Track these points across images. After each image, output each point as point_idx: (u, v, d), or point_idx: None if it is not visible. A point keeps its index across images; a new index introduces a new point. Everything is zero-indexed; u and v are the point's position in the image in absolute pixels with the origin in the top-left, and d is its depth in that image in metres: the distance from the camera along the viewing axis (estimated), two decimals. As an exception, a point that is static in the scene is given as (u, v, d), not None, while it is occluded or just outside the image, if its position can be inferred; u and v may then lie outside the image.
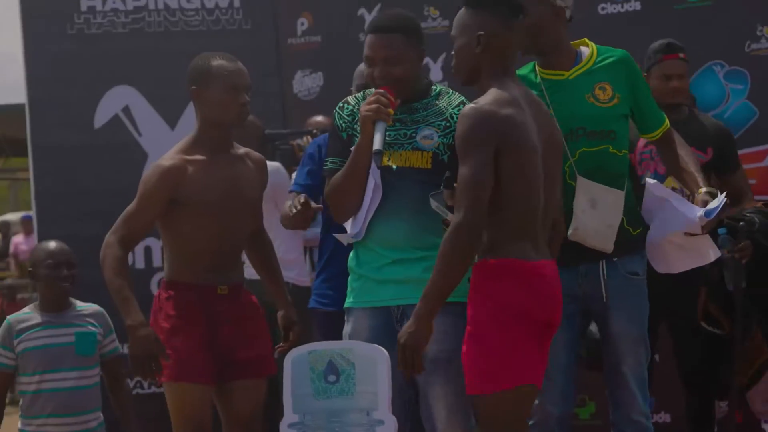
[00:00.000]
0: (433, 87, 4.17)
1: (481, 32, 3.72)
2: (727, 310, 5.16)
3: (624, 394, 4.24)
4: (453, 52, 3.82)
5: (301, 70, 7.02)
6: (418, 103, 4.11)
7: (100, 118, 6.97)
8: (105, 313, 5.09)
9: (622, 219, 4.23)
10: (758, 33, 6.13)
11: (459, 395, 3.92)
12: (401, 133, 4.06)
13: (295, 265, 6.08)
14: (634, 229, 4.28)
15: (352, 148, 4.07)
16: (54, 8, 6.95)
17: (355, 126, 4.11)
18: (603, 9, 6.50)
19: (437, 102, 4.13)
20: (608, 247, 4.20)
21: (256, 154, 4.54)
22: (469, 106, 3.66)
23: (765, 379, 5.37)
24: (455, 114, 4.04)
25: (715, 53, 6.20)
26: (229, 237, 4.37)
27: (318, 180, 4.78)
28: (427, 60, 6.73)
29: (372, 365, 3.81)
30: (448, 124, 4.07)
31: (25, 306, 5.28)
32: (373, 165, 4.00)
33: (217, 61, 4.33)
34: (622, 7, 6.46)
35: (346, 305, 4.18)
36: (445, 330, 3.92)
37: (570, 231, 4.22)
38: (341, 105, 4.20)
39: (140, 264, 6.93)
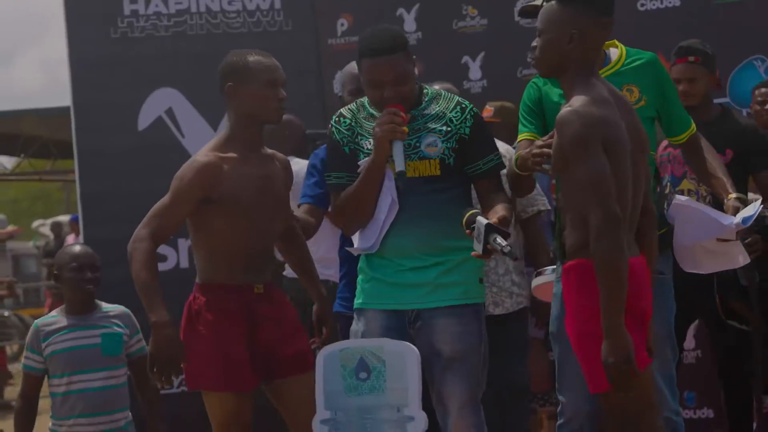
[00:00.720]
0: (425, 91, 4.19)
1: (575, 29, 3.72)
2: (748, 305, 5.13)
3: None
4: (536, 45, 3.81)
5: (341, 71, 7.04)
6: (415, 111, 4.13)
7: (144, 120, 7.04)
8: (131, 313, 5.12)
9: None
10: (799, 27, 6.10)
11: (472, 392, 4.01)
12: (405, 144, 4.06)
13: (333, 264, 6.11)
14: (658, 229, 4.28)
15: (360, 163, 4.09)
16: (98, 12, 7.03)
17: (357, 139, 4.14)
18: (642, 5, 6.48)
19: (434, 106, 4.15)
20: None
21: (280, 155, 4.54)
22: (569, 109, 3.63)
23: None
24: (454, 118, 4.10)
25: (756, 48, 6.18)
26: (263, 235, 4.36)
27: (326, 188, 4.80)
28: (465, 59, 6.75)
29: (402, 362, 3.84)
30: (449, 128, 4.10)
31: None
32: (389, 181, 4.02)
33: (254, 57, 4.33)
34: (662, 3, 6.44)
35: (356, 305, 4.20)
36: (460, 331, 4.00)
37: None
38: (337, 119, 4.22)
39: (184, 264, 6.99)
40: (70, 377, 4.97)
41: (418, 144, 4.09)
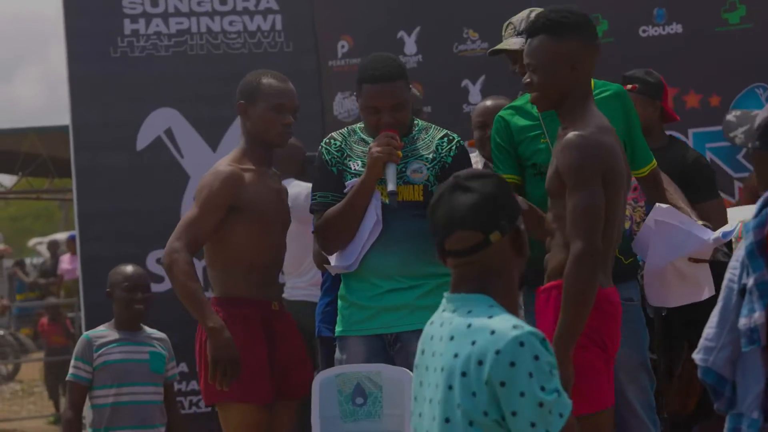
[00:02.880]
0: (416, 123, 4.30)
1: (574, 60, 3.74)
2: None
3: (634, 423, 4.19)
4: (531, 81, 3.79)
5: (341, 93, 7.03)
6: (405, 138, 4.23)
7: (143, 139, 7.02)
8: (168, 340, 5.31)
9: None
10: (801, 55, 6.09)
11: None
12: None
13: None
14: (626, 258, 4.27)
15: (348, 183, 4.17)
16: (98, 31, 7.01)
17: (345, 161, 4.23)
18: (644, 32, 6.48)
19: (423, 136, 4.26)
20: None
21: (282, 184, 4.60)
22: (576, 134, 3.64)
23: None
24: (440, 147, 4.21)
25: (758, 76, 6.16)
26: (278, 250, 4.42)
27: None
28: (465, 82, 6.74)
29: (399, 388, 3.82)
30: (435, 156, 4.21)
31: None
32: (374, 201, 4.12)
33: (267, 79, 4.38)
34: (664, 29, 6.43)
35: (337, 333, 4.25)
36: None
37: None
38: (328, 141, 4.31)
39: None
40: (120, 388, 5.14)
41: (404, 170, 4.19)
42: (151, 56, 7.00)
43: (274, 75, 4.41)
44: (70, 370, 5.22)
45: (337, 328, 4.27)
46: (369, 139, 4.25)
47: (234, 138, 4.53)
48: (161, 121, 7.02)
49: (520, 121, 4.25)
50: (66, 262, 15.87)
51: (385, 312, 4.13)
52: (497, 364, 2.59)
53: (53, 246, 17.80)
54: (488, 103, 5.33)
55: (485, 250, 2.73)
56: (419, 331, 4.03)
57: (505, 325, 2.63)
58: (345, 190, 4.22)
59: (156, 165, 6.96)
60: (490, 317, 2.64)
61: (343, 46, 7.03)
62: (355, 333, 4.18)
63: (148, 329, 5.32)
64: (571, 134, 3.65)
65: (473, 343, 2.62)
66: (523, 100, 4.31)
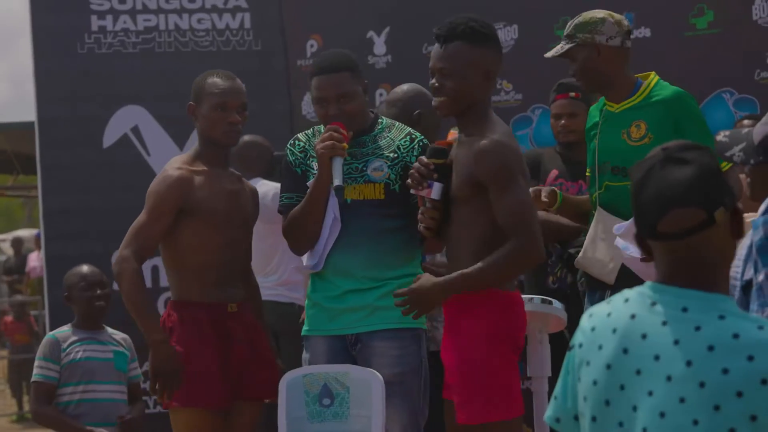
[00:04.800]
0: (380, 120, 4.29)
1: (487, 68, 3.79)
2: None
3: None
4: (439, 85, 3.81)
5: (310, 92, 7.02)
6: (366, 137, 4.23)
7: (110, 137, 6.99)
8: (130, 340, 5.36)
9: None
10: (768, 61, 6.12)
11: (413, 415, 4.08)
12: (353, 167, 4.18)
13: (299, 286, 6.08)
14: None
15: (309, 183, 4.17)
16: (65, 27, 6.97)
17: (309, 162, 4.23)
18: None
19: (385, 134, 4.25)
20: (609, 278, 4.23)
21: (249, 184, 4.59)
22: (492, 139, 3.70)
23: None
24: (402, 145, 4.20)
25: (725, 81, 6.19)
26: (233, 250, 4.37)
27: None
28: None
29: (366, 389, 3.81)
30: (396, 155, 4.20)
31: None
32: (332, 199, 4.11)
33: (212, 79, 4.37)
34: (633, 33, 6.45)
35: (303, 332, 4.27)
36: (398, 354, 4.06)
37: (577, 258, 4.28)
38: (292, 142, 4.32)
39: (147, 283, 6.91)
40: (86, 386, 5.21)
41: (365, 168, 4.18)
42: (118, 53, 6.97)
43: (219, 74, 4.39)
44: (37, 371, 5.22)
45: (304, 328, 4.28)
46: None
47: (200, 136, 4.51)
48: (128, 119, 6.99)
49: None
50: (34, 259, 15.76)
51: (346, 313, 4.14)
52: None
53: (17, 243, 17.68)
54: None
55: (706, 232, 2.31)
56: (380, 332, 4.09)
57: None
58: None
59: (122, 163, 6.93)
60: (761, 328, 2.26)
61: (312, 46, 7.01)
62: (318, 333, 4.20)
63: (110, 329, 5.37)
64: (484, 141, 3.70)
65: (750, 358, 2.23)
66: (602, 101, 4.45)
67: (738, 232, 2.35)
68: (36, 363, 5.26)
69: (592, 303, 4.29)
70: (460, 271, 3.66)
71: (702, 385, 2.24)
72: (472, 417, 3.63)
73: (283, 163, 4.32)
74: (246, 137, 5.93)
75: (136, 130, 7.00)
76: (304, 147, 4.27)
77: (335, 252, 4.15)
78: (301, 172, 4.24)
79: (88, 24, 6.95)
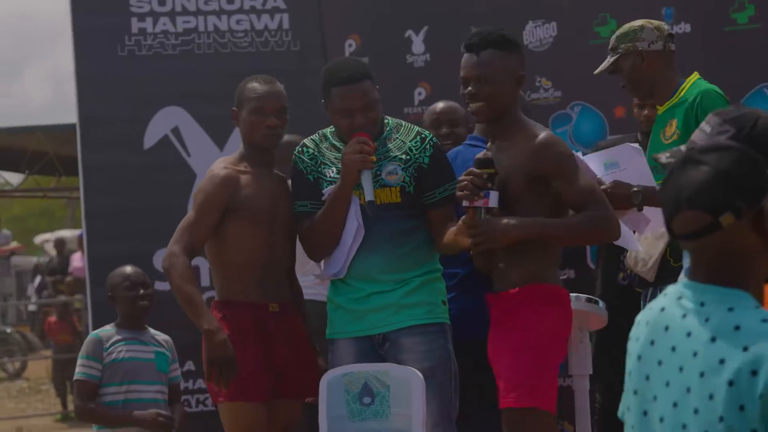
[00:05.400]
0: (386, 122, 4.31)
1: (520, 72, 3.99)
2: None
3: None
4: (476, 92, 3.94)
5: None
6: (377, 141, 4.24)
7: (150, 138, 7.02)
8: (172, 341, 5.40)
9: (666, 250, 4.33)
10: (809, 55, 6.08)
11: (444, 409, 4.10)
12: None
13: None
14: (675, 261, 4.31)
15: (325, 191, 4.20)
16: (105, 29, 7.02)
17: (320, 168, 4.27)
18: (652, 31, 6.45)
19: (394, 136, 4.27)
20: (650, 276, 4.30)
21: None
22: (549, 134, 3.91)
23: None
24: (414, 147, 4.22)
25: (766, 75, 6.15)
26: (276, 250, 4.43)
27: None
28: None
29: (407, 388, 3.83)
30: (408, 157, 4.22)
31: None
32: (353, 206, 4.14)
33: (251, 84, 4.48)
34: (672, 29, 6.40)
35: (327, 335, 4.30)
36: (427, 348, 4.09)
37: (626, 256, 4.42)
38: (300, 149, 4.37)
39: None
40: (129, 386, 5.25)
41: (378, 172, 4.21)
42: (159, 55, 7.00)
43: (259, 78, 4.50)
44: (80, 369, 5.27)
45: (327, 331, 4.30)
46: (340, 145, 4.28)
47: (240, 137, 4.59)
48: (168, 120, 7.02)
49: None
50: (77, 260, 15.89)
51: (371, 313, 4.16)
52: None
53: (60, 244, 17.82)
54: (440, 105, 5.35)
55: (718, 234, 2.31)
56: (407, 329, 4.14)
57: None
58: (323, 198, 4.26)
59: (163, 163, 6.96)
60: (765, 321, 2.28)
61: (350, 45, 7.02)
62: (343, 335, 4.22)
63: (152, 330, 5.41)
64: (543, 135, 3.86)
65: (745, 349, 2.25)
66: None
67: (766, 233, 2.33)
68: (78, 362, 5.31)
69: (644, 300, 4.37)
70: (540, 218, 3.78)
71: (702, 375, 2.28)
72: (519, 400, 3.68)
73: (292, 170, 4.36)
74: (285, 137, 5.95)
75: (176, 131, 7.03)
76: (313, 154, 4.31)
77: (356, 257, 4.19)
78: (313, 179, 4.28)
79: (128, 26, 6.99)
